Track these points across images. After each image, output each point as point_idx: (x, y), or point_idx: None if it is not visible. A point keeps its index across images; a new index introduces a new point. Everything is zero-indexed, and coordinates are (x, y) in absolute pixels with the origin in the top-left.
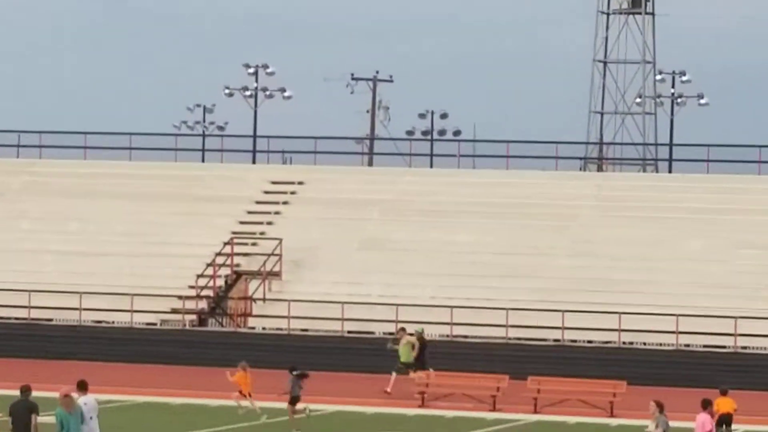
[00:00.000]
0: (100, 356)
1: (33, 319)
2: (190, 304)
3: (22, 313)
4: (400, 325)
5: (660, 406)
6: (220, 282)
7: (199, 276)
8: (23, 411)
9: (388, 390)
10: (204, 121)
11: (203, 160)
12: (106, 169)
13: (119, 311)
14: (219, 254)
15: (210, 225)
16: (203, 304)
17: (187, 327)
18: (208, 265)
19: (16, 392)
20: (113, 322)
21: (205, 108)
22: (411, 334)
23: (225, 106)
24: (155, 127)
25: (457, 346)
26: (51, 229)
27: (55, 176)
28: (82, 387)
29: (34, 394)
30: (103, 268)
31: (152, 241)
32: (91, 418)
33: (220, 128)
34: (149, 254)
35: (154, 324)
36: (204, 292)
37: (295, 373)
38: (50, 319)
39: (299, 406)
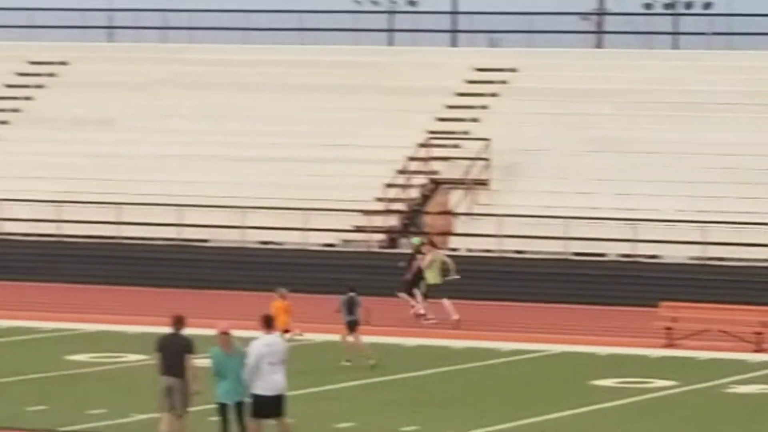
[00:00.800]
0: (265, 284)
1: (185, 240)
2: (378, 221)
3: (171, 233)
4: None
5: None
6: (415, 193)
7: (388, 186)
8: (175, 349)
9: (422, 312)
10: None
11: (392, 44)
12: (273, 55)
13: (290, 230)
14: (412, 159)
15: (401, 123)
16: (394, 221)
17: (374, 248)
18: (400, 172)
19: (166, 328)
20: (283, 244)
21: None
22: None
23: None
24: (331, 3)
25: (712, 271)
26: (205, 129)
27: (210, 64)
28: (268, 323)
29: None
30: (269, 178)
31: (330, 144)
32: (272, 363)
33: (412, 3)
34: (326, 160)
35: (333, 245)
36: (394, 206)
37: (351, 294)
38: (206, 240)
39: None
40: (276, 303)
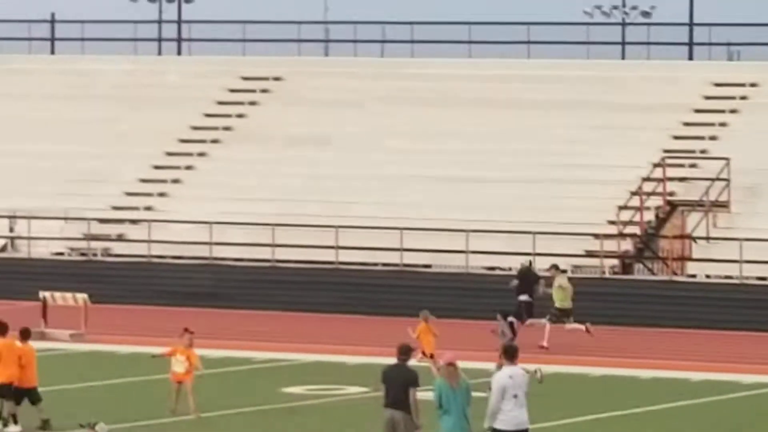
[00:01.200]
0: (492, 312)
1: (406, 265)
2: (611, 245)
3: (391, 258)
4: (552, 262)
5: None
6: (649, 216)
7: (621, 208)
8: (399, 381)
9: (545, 344)
10: (624, 5)
11: (623, 57)
12: (498, 69)
13: (517, 254)
14: (647, 179)
15: (634, 141)
16: (627, 245)
17: (607, 275)
18: (633, 193)
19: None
20: (509, 269)
21: None
22: (563, 271)
23: None
24: (560, 15)
25: None
26: (424, 148)
27: (430, 79)
28: (510, 354)
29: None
30: (494, 199)
31: (558, 163)
32: (515, 396)
33: (645, 14)
34: (554, 180)
35: (564, 271)
36: (628, 229)
37: (509, 319)
38: (428, 266)
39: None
40: (420, 326)
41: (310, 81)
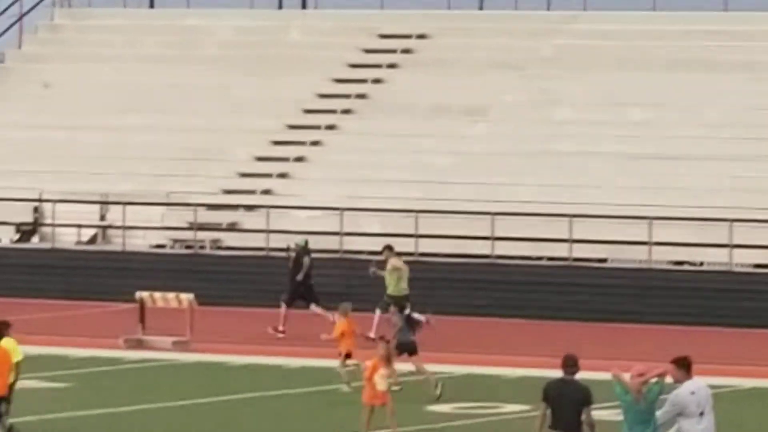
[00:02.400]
0: (679, 315)
1: (576, 259)
2: None
3: (558, 250)
4: (386, 243)
5: None
6: None
7: None
8: (567, 399)
9: (371, 335)
10: None
11: None
12: (686, 24)
13: (711, 246)
14: None
15: None
16: None
17: None
18: None
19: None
20: (701, 264)
21: None
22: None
23: None
24: None
25: None
26: (598, 119)
27: (607, 37)
28: (687, 367)
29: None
30: (681, 180)
31: (760, 137)
32: (702, 413)
33: None
34: (755, 156)
35: (765, 266)
36: None
37: (405, 312)
38: (603, 260)
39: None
40: (340, 323)
41: (462, 40)
